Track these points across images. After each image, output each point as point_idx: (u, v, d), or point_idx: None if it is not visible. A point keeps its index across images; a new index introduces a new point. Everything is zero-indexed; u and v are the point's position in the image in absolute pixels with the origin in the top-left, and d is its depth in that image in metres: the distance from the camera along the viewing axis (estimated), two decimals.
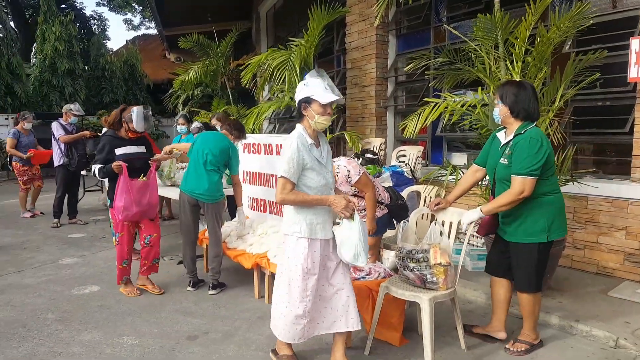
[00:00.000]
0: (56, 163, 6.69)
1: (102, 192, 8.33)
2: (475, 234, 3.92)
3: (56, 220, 6.71)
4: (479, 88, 3.89)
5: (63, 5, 19.83)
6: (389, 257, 3.62)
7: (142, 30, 25.64)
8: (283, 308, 2.67)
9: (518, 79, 3.28)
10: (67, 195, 6.81)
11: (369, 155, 4.66)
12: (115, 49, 19.30)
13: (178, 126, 6.61)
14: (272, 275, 3.82)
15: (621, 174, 4.11)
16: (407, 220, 3.38)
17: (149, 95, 16.42)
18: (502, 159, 2.81)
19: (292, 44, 5.92)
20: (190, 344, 3.22)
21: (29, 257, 5.22)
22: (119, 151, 3.88)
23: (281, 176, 2.54)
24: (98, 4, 27.89)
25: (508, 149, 2.77)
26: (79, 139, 6.65)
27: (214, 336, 3.34)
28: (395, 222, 3.91)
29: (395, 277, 3.15)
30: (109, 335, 3.34)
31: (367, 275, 3.28)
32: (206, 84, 9.49)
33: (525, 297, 2.90)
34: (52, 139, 6.66)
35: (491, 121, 3.12)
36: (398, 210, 3.77)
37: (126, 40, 22.01)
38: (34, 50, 17.70)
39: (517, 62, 3.56)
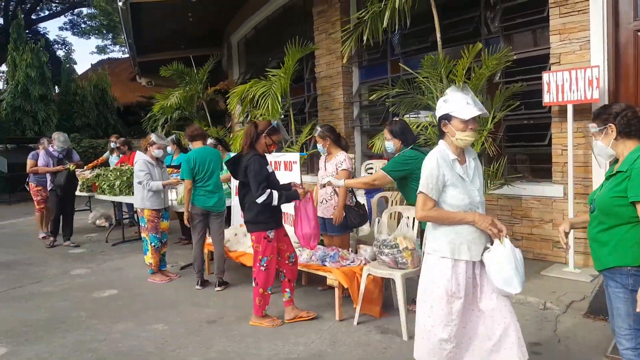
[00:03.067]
0: (48, 187, 7.12)
1: (91, 211, 8.86)
2: None
3: (52, 239, 7.04)
4: (429, 113, 4.88)
5: (27, 31, 19.94)
6: (367, 250, 4.47)
7: (106, 55, 25.96)
8: (426, 332, 2.53)
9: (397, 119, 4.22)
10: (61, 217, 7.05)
11: None
12: (80, 73, 19.52)
13: (168, 148, 7.28)
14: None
15: (545, 177, 5.18)
16: (380, 217, 4.27)
17: (119, 119, 16.84)
18: None
19: (269, 75, 6.80)
20: (211, 326, 3.96)
21: (39, 271, 5.76)
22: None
23: (420, 192, 2.48)
24: (61, 29, 27.97)
25: None
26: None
27: (229, 320, 4.08)
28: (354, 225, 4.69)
29: (374, 262, 4.03)
30: (139, 324, 4.02)
31: (352, 262, 4.14)
32: (183, 107, 10.20)
33: None
34: None
35: (384, 151, 4.17)
36: (354, 214, 4.47)
37: (91, 64, 22.28)
38: (4, 75, 17.76)
39: None
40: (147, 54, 12.32)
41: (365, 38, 5.23)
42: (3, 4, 21.40)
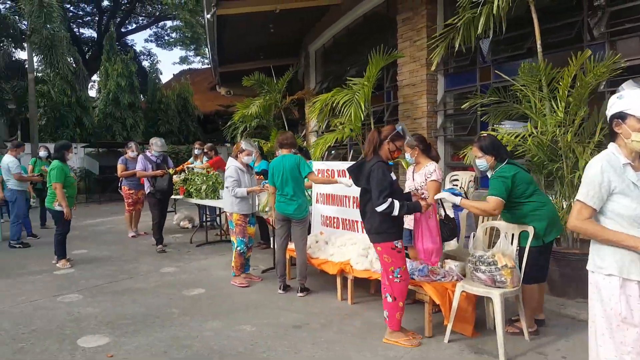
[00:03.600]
0: (146, 191, 7.20)
1: (176, 213, 9.31)
2: None
3: (160, 246, 6.95)
4: (528, 123, 4.64)
5: (117, 43, 21.56)
6: (457, 265, 4.28)
7: (187, 65, 27.59)
8: None
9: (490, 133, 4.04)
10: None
11: None
12: (163, 83, 20.74)
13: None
14: (355, 280, 4.60)
15: None
16: (475, 233, 4.09)
17: (199, 126, 17.69)
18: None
19: (350, 83, 6.82)
20: (297, 330, 3.97)
21: (132, 267, 6.10)
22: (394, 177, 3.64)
23: (577, 200, 2.24)
24: (147, 41, 30.09)
25: None
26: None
27: (314, 326, 4.08)
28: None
29: (467, 279, 3.85)
30: (228, 324, 4.11)
31: (442, 277, 3.99)
32: (262, 116, 10.49)
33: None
34: None
35: (475, 168, 3.93)
36: (444, 227, 4.21)
37: (173, 74, 23.68)
38: (95, 84, 19.33)
39: (560, 102, 4.32)
40: (227, 65, 12.85)
41: (457, 44, 5.08)
42: (97, 18, 23.30)
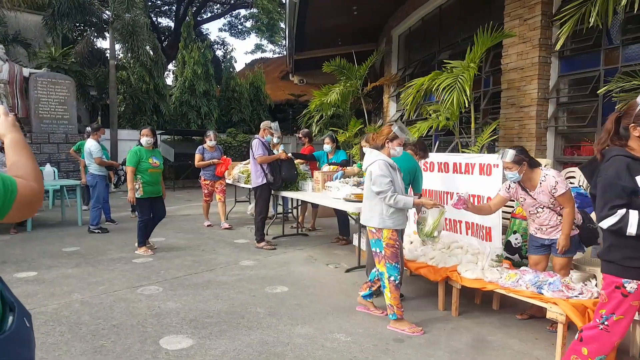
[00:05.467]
0: (256, 182, 6.35)
1: (250, 203, 9.06)
2: None
3: (263, 243, 6.30)
4: None
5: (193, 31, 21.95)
6: (578, 274, 3.57)
7: (260, 53, 27.79)
8: None
9: None
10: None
11: None
12: (236, 71, 20.86)
13: (325, 145, 7.00)
14: (462, 289, 3.99)
15: None
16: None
17: (270, 115, 17.56)
18: None
19: (449, 66, 6.12)
20: (400, 346, 3.43)
21: (211, 258, 5.83)
22: None
23: None
24: (221, 30, 30.60)
25: None
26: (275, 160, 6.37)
27: (418, 341, 3.52)
28: (584, 246, 3.87)
29: None
30: (320, 331, 3.66)
31: (579, 294, 3.30)
32: (338, 104, 10.00)
33: None
34: (251, 156, 6.47)
35: None
36: (588, 233, 3.71)
37: (245, 63, 23.78)
38: (171, 73, 19.78)
39: None
40: (302, 52, 12.48)
41: (592, 20, 4.28)
42: (174, 7, 23.85)
